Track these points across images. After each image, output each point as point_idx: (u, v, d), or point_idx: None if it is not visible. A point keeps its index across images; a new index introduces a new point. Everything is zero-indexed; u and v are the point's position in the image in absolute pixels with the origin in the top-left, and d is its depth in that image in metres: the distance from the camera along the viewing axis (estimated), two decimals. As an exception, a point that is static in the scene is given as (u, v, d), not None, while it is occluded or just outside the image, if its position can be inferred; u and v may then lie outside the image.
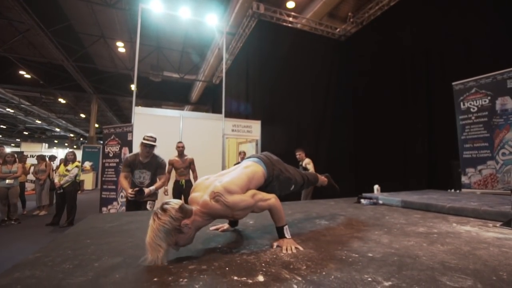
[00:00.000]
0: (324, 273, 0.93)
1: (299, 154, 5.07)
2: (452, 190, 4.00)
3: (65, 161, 5.11)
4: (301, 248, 1.21)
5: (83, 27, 9.47)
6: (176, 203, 1.09)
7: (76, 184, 5.02)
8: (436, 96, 4.92)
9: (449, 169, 4.44)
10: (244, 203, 1.22)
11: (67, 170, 4.88)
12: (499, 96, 3.83)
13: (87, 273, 0.93)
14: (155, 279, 0.88)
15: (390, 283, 0.84)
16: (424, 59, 5.19)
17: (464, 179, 4.07)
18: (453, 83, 4.29)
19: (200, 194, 1.22)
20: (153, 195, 2.79)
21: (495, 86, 3.87)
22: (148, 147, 2.60)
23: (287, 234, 1.29)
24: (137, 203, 2.64)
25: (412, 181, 5.04)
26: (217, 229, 1.62)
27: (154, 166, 2.70)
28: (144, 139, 2.61)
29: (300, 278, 0.88)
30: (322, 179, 2.01)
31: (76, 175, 4.94)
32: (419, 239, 1.38)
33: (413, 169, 5.23)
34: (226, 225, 1.65)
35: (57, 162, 8.10)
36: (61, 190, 4.79)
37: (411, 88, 5.44)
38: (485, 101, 3.95)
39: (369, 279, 0.87)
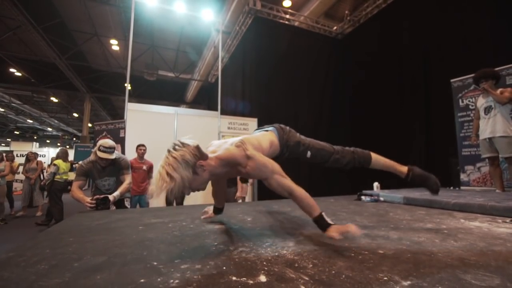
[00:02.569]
0: (333, 272, 0.83)
1: None
2: (451, 188, 3.96)
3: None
4: (356, 232, 1.02)
5: (76, 24, 9.26)
6: (193, 141, 1.05)
7: (57, 183, 4.81)
8: (434, 93, 4.89)
9: (447, 167, 4.40)
10: (262, 159, 1.14)
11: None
12: (498, 93, 3.80)
13: (64, 274, 0.81)
14: (142, 280, 0.77)
15: (409, 282, 0.74)
16: (421, 56, 5.16)
17: (463, 177, 4.03)
18: (452, 80, 4.26)
19: (217, 148, 1.20)
20: (127, 192, 2.50)
21: (494, 82, 3.84)
22: (104, 160, 2.24)
23: (330, 220, 1.08)
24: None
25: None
26: (208, 217, 1.63)
27: (117, 169, 2.37)
28: (99, 149, 2.21)
29: (307, 278, 0.78)
30: (391, 165, 1.59)
31: (55, 174, 4.75)
32: (429, 235, 1.29)
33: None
34: (210, 211, 1.63)
35: (47, 160, 7.86)
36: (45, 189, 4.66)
37: (409, 86, 5.41)
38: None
39: (385, 278, 0.77)
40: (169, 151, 0.98)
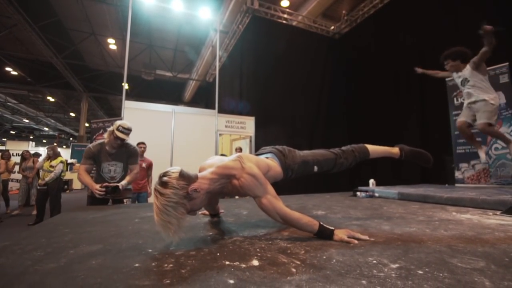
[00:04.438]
0: (324, 257, 0.85)
1: None
2: (446, 185, 4.00)
3: (48, 157, 4.91)
4: (361, 236, 1.05)
5: (73, 23, 9.22)
6: (174, 171, 0.98)
7: (61, 182, 4.80)
8: (429, 92, 4.94)
9: (442, 165, 4.44)
10: (259, 174, 1.12)
11: (51, 166, 4.68)
12: (491, 91, 3.85)
13: (59, 260, 0.83)
14: (136, 264, 0.79)
15: (397, 265, 0.77)
16: (417, 55, 5.21)
17: (457, 174, 4.07)
18: (447, 79, 4.30)
19: (216, 162, 1.19)
20: (128, 191, 2.39)
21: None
22: (120, 141, 2.17)
23: (330, 227, 1.07)
24: (104, 200, 2.20)
25: (405, 176, 5.03)
26: (205, 213, 1.64)
27: (126, 155, 2.28)
28: (118, 129, 2.14)
29: (299, 262, 0.80)
30: (385, 151, 1.71)
31: (62, 171, 4.73)
32: (421, 226, 1.32)
33: (406, 165, 5.23)
34: (207, 212, 1.65)
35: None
36: (45, 187, 4.59)
37: (405, 85, 5.46)
38: (478, 96, 3.96)
39: (374, 261, 0.80)
40: (156, 196, 0.94)
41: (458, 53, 2.88)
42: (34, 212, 5.65)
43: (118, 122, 2.17)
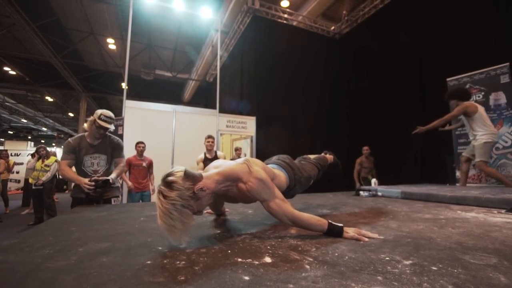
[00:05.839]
0: (336, 254, 0.84)
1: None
2: (448, 185, 4.01)
3: (39, 157, 4.88)
4: (371, 234, 1.06)
5: (72, 22, 9.18)
6: (178, 171, 0.94)
7: (57, 181, 4.79)
8: (430, 92, 4.95)
9: (443, 164, 4.46)
10: (267, 178, 1.10)
11: (46, 166, 4.65)
12: (492, 91, 3.87)
13: (69, 258, 0.82)
14: (148, 262, 0.78)
15: (410, 261, 0.76)
16: (418, 55, 5.22)
17: (458, 174, 4.08)
18: (448, 79, 4.32)
19: (221, 165, 1.18)
20: (116, 190, 2.23)
21: (488, 81, 3.92)
22: (103, 130, 2.04)
23: (339, 224, 1.07)
24: (90, 202, 2.05)
25: (406, 176, 5.04)
26: (210, 212, 1.63)
27: (109, 147, 2.14)
28: (100, 118, 2.00)
29: (311, 259, 0.79)
30: (330, 158, 2.00)
31: (57, 170, 4.71)
32: (427, 224, 1.32)
33: (407, 165, 5.24)
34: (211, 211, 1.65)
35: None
36: (41, 187, 4.56)
37: (406, 85, 5.47)
38: (479, 96, 3.99)
39: (387, 258, 0.79)
40: (159, 198, 0.90)
41: (453, 93, 3.33)
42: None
43: (99, 111, 2.05)
